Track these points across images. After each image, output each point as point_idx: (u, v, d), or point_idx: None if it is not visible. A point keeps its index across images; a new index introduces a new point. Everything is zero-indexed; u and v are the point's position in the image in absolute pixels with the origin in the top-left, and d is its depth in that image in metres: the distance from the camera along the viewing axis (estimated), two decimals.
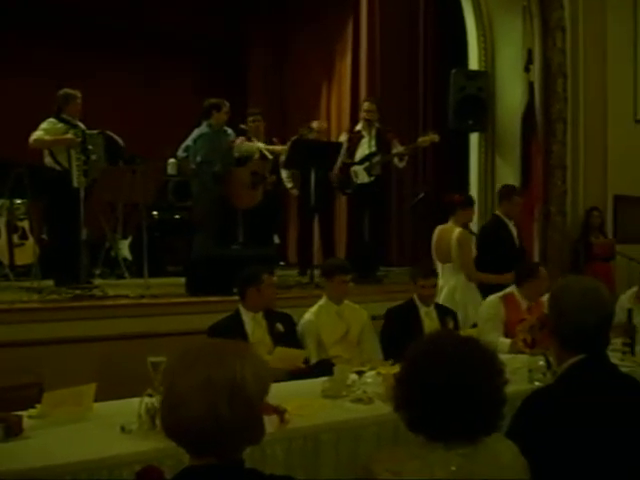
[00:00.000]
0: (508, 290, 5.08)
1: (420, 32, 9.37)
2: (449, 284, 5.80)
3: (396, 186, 8.92)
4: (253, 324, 4.46)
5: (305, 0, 10.36)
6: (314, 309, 4.74)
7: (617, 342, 4.50)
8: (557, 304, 2.36)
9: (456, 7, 8.58)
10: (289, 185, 7.76)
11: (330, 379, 3.51)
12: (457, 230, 5.82)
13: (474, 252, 5.92)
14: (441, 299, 5.55)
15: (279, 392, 3.31)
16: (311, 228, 7.71)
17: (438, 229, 6.07)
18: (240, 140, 7.08)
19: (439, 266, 5.87)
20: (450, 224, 5.96)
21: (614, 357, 4.21)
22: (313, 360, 4.43)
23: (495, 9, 8.41)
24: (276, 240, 8.57)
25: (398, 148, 7.24)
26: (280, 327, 4.50)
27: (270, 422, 2.87)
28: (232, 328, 4.34)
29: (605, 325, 2.33)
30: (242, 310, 4.50)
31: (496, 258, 5.88)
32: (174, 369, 1.64)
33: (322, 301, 4.77)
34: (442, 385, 1.79)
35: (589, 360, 2.29)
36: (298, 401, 3.23)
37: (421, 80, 9.35)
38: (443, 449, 1.78)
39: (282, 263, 8.89)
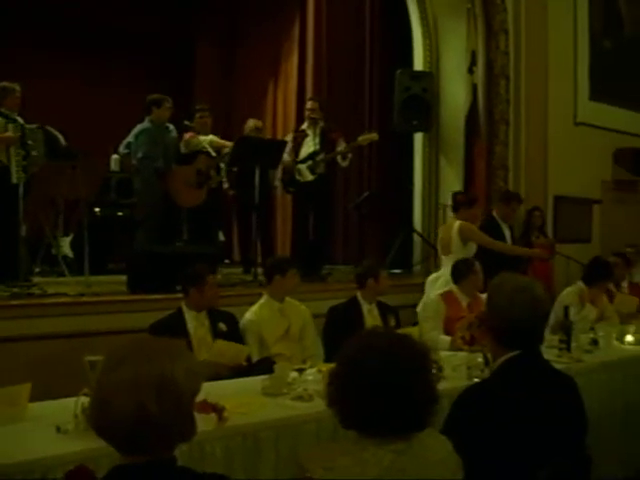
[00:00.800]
0: (447, 288, 5.18)
1: (366, 32, 9.42)
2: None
3: (342, 185, 8.95)
4: (195, 323, 4.43)
5: None
6: (255, 308, 4.72)
7: (554, 339, 4.61)
8: (492, 301, 2.41)
9: (402, 8, 8.66)
10: (225, 185, 7.75)
11: (270, 377, 3.51)
12: (457, 223, 6.01)
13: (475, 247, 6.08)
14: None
15: (219, 390, 3.32)
16: (253, 226, 7.75)
17: (442, 226, 6.59)
18: (189, 135, 7.00)
19: (442, 259, 6.18)
20: (452, 220, 6.21)
21: (551, 353, 4.33)
22: (255, 358, 4.42)
23: (440, 11, 8.52)
24: (221, 238, 8.52)
25: (340, 146, 7.25)
26: (223, 326, 4.47)
27: (209, 420, 2.87)
28: (174, 326, 4.30)
29: (539, 322, 2.38)
30: (184, 308, 4.46)
31: (487, 257, 6.00)
32: (103, 367, 1.62)
33: (263, 299, 4.76)
34: (374, 383, 1.80)
35: (523, 356, 2.34)
36: (238, 399, 3.22)
37: (367, 80, 9.40)
38: (376, 445, 1.80)
39: (227, 261, 8.85)
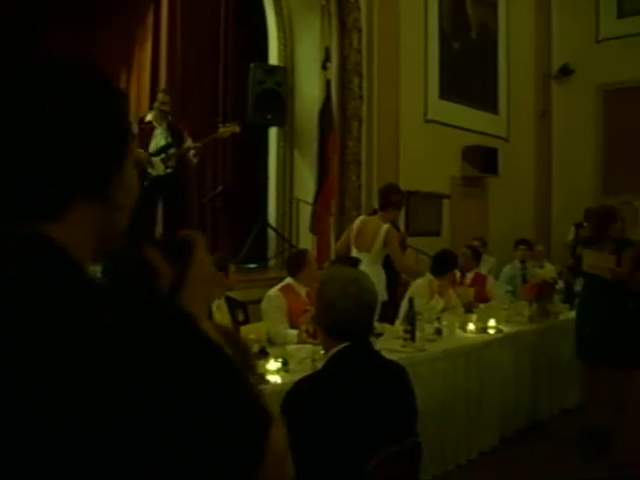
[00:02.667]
0: (285, 282, 5.18)
1: (221, 24, 9.29)
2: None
3: (196, 179, 8.81)
4: None
5: None
6: None
7: (400, 329, 4.72)
8: (321, 294, 2.41)
9: (257, 2, 8.63)
10: None
11: None
12: (385, 226, 5.75)
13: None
14: None
15: None
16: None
17: (362, 218, 6.13)
18: None
19: (354, 252, 5.85)
20: (377, 218, 5.93)
21: (396, 344, 4.44)
22: None
23: (295, 7, 8.55)
24: None
25: (187, 141, 7.11)
26: None
27: None
28: None
29: (367, 313, 2.41)
30: None
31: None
32: None
33: None
34: None
35: (352, 347, 2.36)
36: None
37: (221, 73, 9.27)
38: None
39: None
